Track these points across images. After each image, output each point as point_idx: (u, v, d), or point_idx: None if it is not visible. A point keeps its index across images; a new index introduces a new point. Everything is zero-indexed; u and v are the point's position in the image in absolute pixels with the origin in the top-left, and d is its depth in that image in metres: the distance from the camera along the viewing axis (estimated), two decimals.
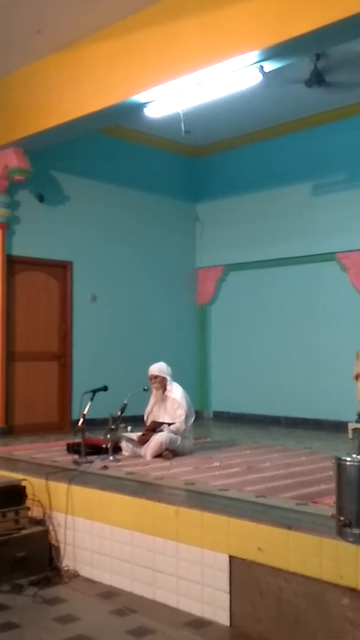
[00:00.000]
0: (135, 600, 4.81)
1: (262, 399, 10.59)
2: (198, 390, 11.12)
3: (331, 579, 3.84)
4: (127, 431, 6.99)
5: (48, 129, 8.07)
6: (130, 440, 6.94)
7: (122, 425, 6.85)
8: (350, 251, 9.68)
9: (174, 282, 11.30)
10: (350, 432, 8.68)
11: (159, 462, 6.60)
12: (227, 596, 4.35)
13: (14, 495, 5.42)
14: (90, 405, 6.56)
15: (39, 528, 5.49)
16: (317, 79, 8.15)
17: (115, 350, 10.30)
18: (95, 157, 10.33)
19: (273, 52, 6.10)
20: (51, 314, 9.86)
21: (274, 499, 4.93)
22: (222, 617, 4.37)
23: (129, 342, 10.47)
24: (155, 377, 7.12)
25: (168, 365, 7.19)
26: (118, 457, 6.73)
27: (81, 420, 6.42)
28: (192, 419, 7.13)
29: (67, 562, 5.42)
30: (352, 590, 3.75)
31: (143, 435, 6.95)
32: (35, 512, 5.57)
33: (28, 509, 5.48)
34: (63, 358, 9.90)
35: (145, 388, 7.24)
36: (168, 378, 7.12)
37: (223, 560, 4.39)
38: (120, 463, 6.50)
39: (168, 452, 6.78)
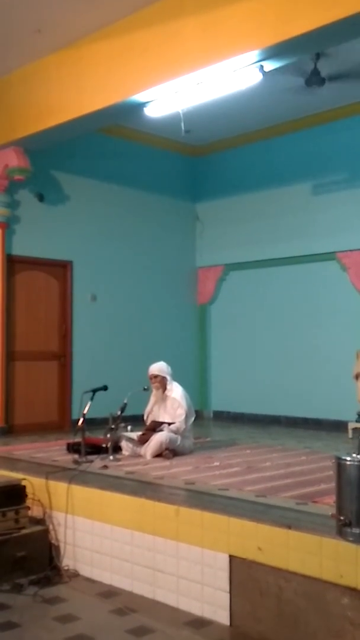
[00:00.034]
0: (135, 599, 4.81)
1: (262, 398, 10.60)
2: (198, 390, 11.12)
3: (331, 579, 3.84)
4: (127, 431, 6.99)
5: (48, 128, 8.07)
6: (130, 439, 6.94)
7: (122, 424, 6.86)
8: (350, 251, 9.68)
9: (174, 281, 11.30)
10: (350, 431, 8.68)
11: (159, 461, 6.60)
12: (227, 596, 4.35)
13: (14, 494, 5.42)
14: (90, 405, 6.56)
15: (39, 527, 5.49)
16: (317, 78, 8.14)
17: (115, 349, 10.30)
18: (96, 156, 10.33)
19: (273, 52, 6.10)
20: (51, 313, 9.86)
21: (274, 498, 4.93)
22: (222, 616, 4.37)
23: (129, 341, 10.47)
24: (155, 376, 7.12)
25: (168, 365, 7.19)
26: (118, 456, 6.73)
27: (81, 420, 6.42)
28: (192, 419, 7.14)
29: (67, 561, 5.42)
30: (352, 589, 3.76)
31: (143, 434, 6.96)
32: (35, 511, 5.58)
33: (28, 508, 5.48)
34: (63, 357, 9.90)
35: (145, 387, 7.24)
36: (168, 377, 7.12)
37: (223, 560, 4.39)
38: (120, 462, 6.50)
39: (168, 452, 6.78)
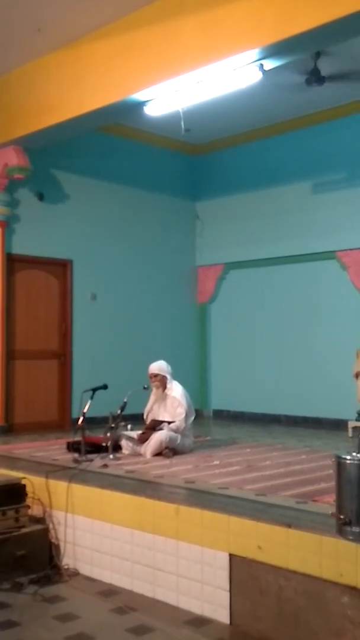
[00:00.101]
0: (135, 598, 4.81)
1: (262, 397, 10.60)
2: (198, 389, 11.12)
3: (331, 577, 3.84)
4: (127, 429, 6.99)
5: (48, 127, 8.08)
6: (130, 438, 6.94)
7: (122, 423, 6.86)
8: (350, 250, 9.68)
9: (174, 280, 11.30)
10: (350, 430, 8.68)
11: (159, 460, 6.60)
12: (227, 594, 4.35)
13: (14, 493, 5.42)
14: (90, 404, 6.56)
15: (39, 526, 5.49)
16: (316, 77, 8.14)
17: (115, 348, 10.30)
18: (95, 155, 10.32)
19: (273, 50, 6.10)
20: (51, 312, 9.86)
21: (274, 497, 4.93)
22: (222, 615, 4.37)
23: (129, 340, 10.47)
24: (155, 375, 7.12)
25: (168, 364, 7.19)
26: (118, 455, 6.73)
27: (81, 419, 6.42)
28: (192, 418, 7.14)
29: (67, 560, 5.42)
30: (352, 588, 3.76)
31: (143, 433, 6.95)
32: (35, 510, 5.58)
33: (28, 507, 5.48)
34: (63, 356, 9.90)
35: (145, 386, 7.24)
36: (168, 376, 7.12)
37: (223, 559, 4.39)
38: (120, 461, 6.50)
39: (168, 451, 6.78)
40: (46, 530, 5.50)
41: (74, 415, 8.86)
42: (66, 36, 7.51)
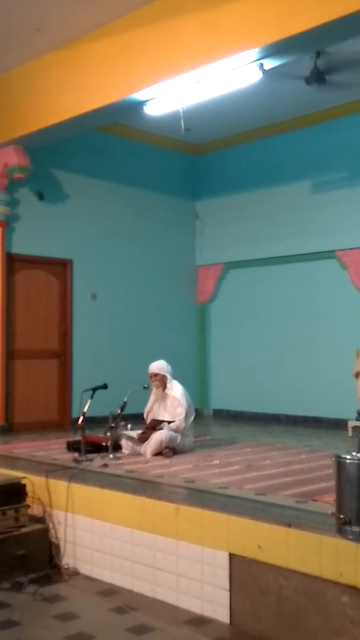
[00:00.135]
0: (135, 598, 4.81)
1: (262, 396, 10.60)
2: (198, 388, 11.12)
3: (331, 577, 3.84)
4: (127, 429, 7.00)
5: (48, 126, 8.08)
6: (130, 438, 6.94)
7: (122, 423, 6.87)
8: (350, 249, 9.67)
9: (174, 280, 11.30)
10: (350, 430, 8.68)
11: (158, 460, 6.60)
12: (227, 594, 4.35)
13: (14, 493, 5.42)
14: (90, 403, 6.56)
15: (39, 526, 5.49)
16: (317, 76, 8.13)
17: (115, 348, 10.30)
18: (95, 155, 10.32)
19: (273, 50, 6.10)
20: (51, 312, 9.86)
21: (274, 496, 4.93)
22: (222, 614, 4.37)
23: (129, 340, 10.47)
24: (155, 375, 7.12)
25: (168, 363, 7.19)
26: (118, 455, 6.73)
27: (81, 418, 6.41)
28: (192, 417, 7.13)
29: (67, 559, 5.42)
30: (352, 587, 3.76)
31: (143, 433, 6.95)
32: (35, 510, 5.58)
33: (28, 506, 5.48)
34: (63, 356, 9.90)
35: (145, 386, 7.24)
36: (168, 376, 7.12)
37: (223, 558, 4.39)
38: (120, 461, 6.50)
39: (168, 450, 6.77)
40: (46, 530, 5.50)
41: (74, 415, 8.87)
42: (66, 36, 7.50)
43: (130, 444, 6.92)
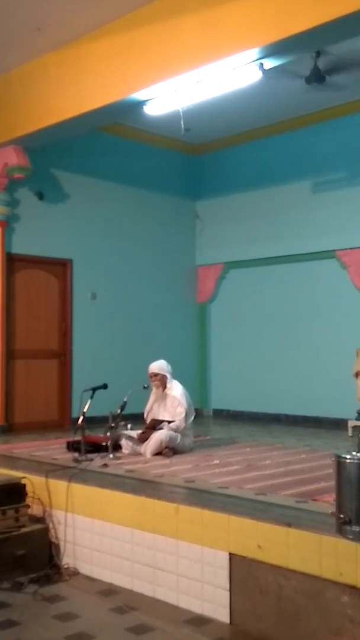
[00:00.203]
0: (135, 597, 4.81)
1: (262, 396, 10.60)
2: (198, 388, 11.12)
3: (331, 577, 3.84)
4: (127, 429, 7.00)
5: (47, 126, 8.08)
6: (130, 438, 6.94)
7: (122, 423, 6.87)
8: (350, 249, 9.67)
9: (174, 279, 11.30)
10: (350, 429, 8.68)
11: (158, 459, 6.60)
12: (227, 594, 4.35)
13: (14, 493, 5.42)
14: (90, 403, 6.56)
15: (39, 526, 5.49)
16: (317, 76, 8.13)
17: (115, 348, 10.31)
18: (95, 154, 10.32)
19: (273, 50, 6.10)
20: (51, 311, 9.86)
21: (274, 496, 4.93)
22: (222, 614, 4.37)
23: (129, 340, 10.47)
24: (156, 374, 7.12)
25: (168, 363, 7.19)
26: (118, 454, 6.73)
27: (81, 418, 6.41)
28: (192, 417, 7.13)
29: (67, 559, 5.42)
30: (352, 587, 3.76)
31: (143, 433, 6.95)
32: (35, 509, 5.58)
33: (28, 506, 5.48)
34: (63, 356, 9.90)
35: (145, 386, 7.24)
36: (168, 376, 7.12)
37: (223, 558, 4.39)
38: (120, 461, 6.50)
39: (168, 450, 6.77)
40: (46, 530, 5.50)
41: (74, 415, 8.86)
42: (66, 35, 7.50)
43: (130, 443, 6.92)
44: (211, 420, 10.94)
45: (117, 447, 6.83)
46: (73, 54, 7.67)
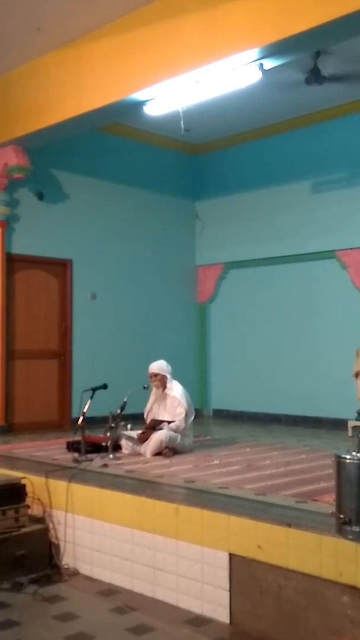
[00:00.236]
0: (135, 598, 4.81)
1: (262, 396, 10.60)
2: (198, 388, 11.12)
3: (331, 577, 3.84)
4: (127, 429, 6.99)
5: (47, 126, 8.08)
6: (130, 438, 6.94)
7: (122, 423, 6.86)
8: (350, 249, 9.68)
9: (173, 280, 11.30)
10: (350, 429, 8.68)
11: (158, 460, 6.60)
12: (227, 594, 4.35)
13: (14, 493, 5.42)
14: (90, 403, 6.56)
15: (38, 526, 5.49)
16: (316, 76, 8.14)
17: (115, 348, 10.31)
18: (95, 155, 10.32)
19: (273, 50, 6.09)
20: (51, 312, 9.86)
21: (274, 496, 4.93)
22: (222, 614, 4.37)
23: (129, 340, 10.47)
24: (155, 375, 7.11)
25: (168, 363, 7.19)
26: (118, 455, 6.73)
27: (81, 419, 6.41)
28: (192, 417, 7.13)
29: (67, 560, 5.42)
30: (352, 587, 3.75)
31: (143, 433, 6.95)
32: (35, 510, 5.57)
33: (28, 507, 5.48)
34: (63, 356, 9.90)
35: (145, 386, 7.24)
36: (168, 376, 7.12)
37: (223, 558, 4.39)
38: (120, 461, 6.50)
39: (168, 450, 6.77)
40: (46, 530, 5.50)
41: (74, 415, 8.86)
42: (66, 35, 7.50)
43: (130, 444, 6.91)
44: (211, 420, 10.94)
45: (117, 447, 6.83)
46: (73, 54, 7.66)
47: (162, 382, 7.09)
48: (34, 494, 5.58)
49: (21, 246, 9.45)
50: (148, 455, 6.74)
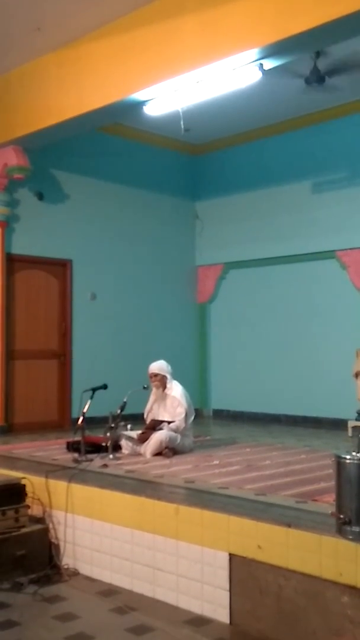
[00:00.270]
0: (135, 598, 4.81)
1: (262, 397, 10.60)
2: (198, 389, 11.12)
3: (331, 577, 3.84)
4: (127, 429, 6.99)
5: (47, 127, 8.08)
6: (130, 438, 6.93)
7: (122, 423, 6.86)
8: (350, 249, 9.68)
9: (173, 280, 11.30)
10: (350, 429, 8.68)
11: (158, 460, 6.60)
12: (227, 594, 4.35)
13: (14, 493, 5.42)
14: (90, 404, 6.56)
15: (38, 526, 5.49)
16: (316, 76, 8.14)
17: (115, 348, 10.31)
18: (95, 155, 10.32)
19: (272, 50, 6.10)
20: (51, 312, 9.86)
21: (274, 496, 4.93)
22: (222, 614, 4.37)
23: (129, 340, 10.47)
24: (155, 375, 7.11)
25: (168, 363, 7.19)
26: (118, 455, 6.73)
27: (81, 419, 6.41)
28: (192, 417, 7.13)
29: (67, 560, 5.42)
30: (352, 587, 3.75)
31: (143, 433, 6.95)
32: (35, 510, 5.57)
33: (28, 507, 5.48)
34: (63, 356, 9.90)
35: (145, 386, 7.24)
36: (168, 376, 7.12)
37: (223, 558, 4.39)
38: (120, 461, 6.50)
39: (168, 450, 6.77)
40: (46, 530, 5.50)
41: (74, 415, 8.86)
42: (66, 35, 7.50)
43: (130, 444, 6.91)
44: (211, 420, 10.94)
45: (117, 447, 6.83)
46: (73, 54, 7.67)
47: (162, 382, 7.09)
48: (34, 494, 5.58)
49: (21, 246, 9.45)
50: (148, 455, 6.74)
